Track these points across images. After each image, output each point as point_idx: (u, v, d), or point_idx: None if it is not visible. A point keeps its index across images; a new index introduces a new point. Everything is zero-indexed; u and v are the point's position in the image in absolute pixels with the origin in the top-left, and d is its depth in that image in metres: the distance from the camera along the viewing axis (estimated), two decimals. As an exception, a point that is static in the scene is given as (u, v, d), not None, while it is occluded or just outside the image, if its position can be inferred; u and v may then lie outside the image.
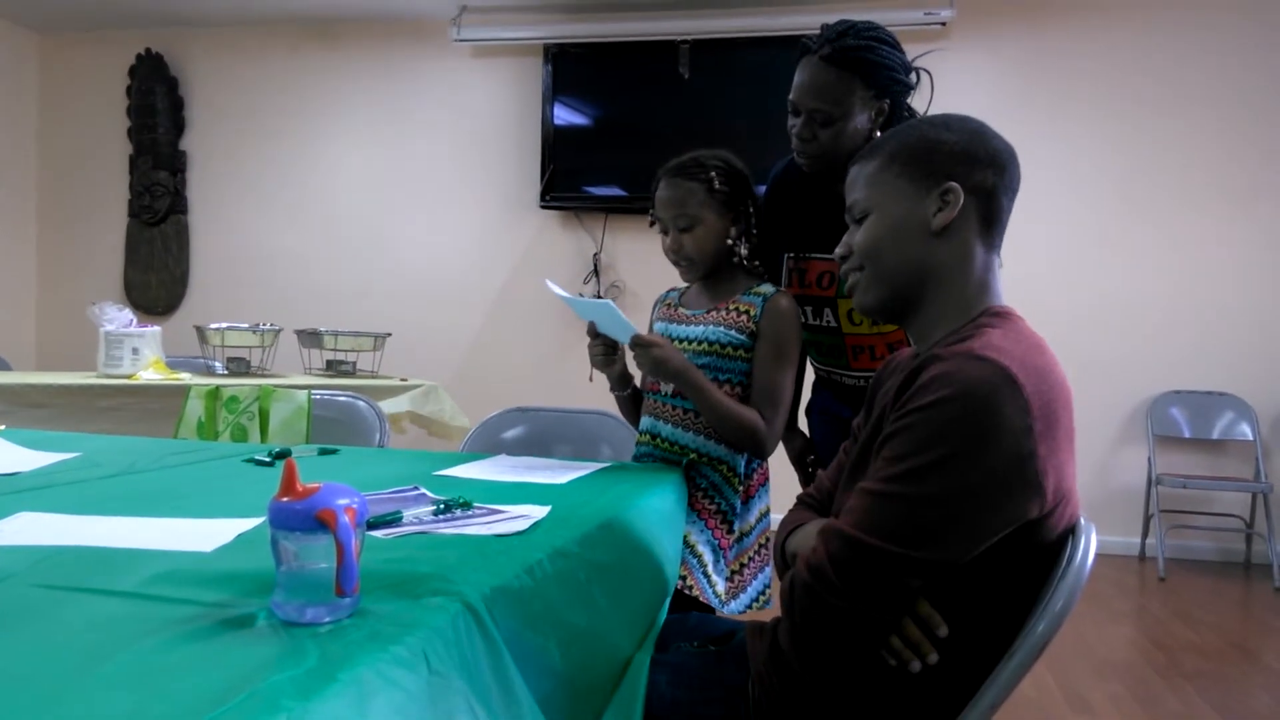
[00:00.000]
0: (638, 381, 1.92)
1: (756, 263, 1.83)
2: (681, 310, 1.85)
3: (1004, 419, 0.96)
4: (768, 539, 1.81)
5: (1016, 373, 0.97)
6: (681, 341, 1.79)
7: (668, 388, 1.78)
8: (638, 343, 1.66)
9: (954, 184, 1.12)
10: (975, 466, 0.96)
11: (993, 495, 0.98)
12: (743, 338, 1.73)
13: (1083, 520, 1.08)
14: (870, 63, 1.64)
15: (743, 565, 1.76)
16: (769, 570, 1.80)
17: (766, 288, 1.77)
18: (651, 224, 1.81)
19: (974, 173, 1.12)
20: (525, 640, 0.90)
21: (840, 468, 1.28)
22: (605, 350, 1.76)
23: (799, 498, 1.37)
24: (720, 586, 1.71)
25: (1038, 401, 0.97)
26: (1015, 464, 0.97)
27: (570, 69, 4.97)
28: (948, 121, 1.16)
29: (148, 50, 5.49)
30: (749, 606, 1.76)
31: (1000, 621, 1.07)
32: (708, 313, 1.79)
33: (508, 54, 5.16)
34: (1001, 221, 1.15)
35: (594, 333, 1.74)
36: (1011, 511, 0.99)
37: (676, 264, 1.80)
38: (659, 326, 1.88)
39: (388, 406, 3.30)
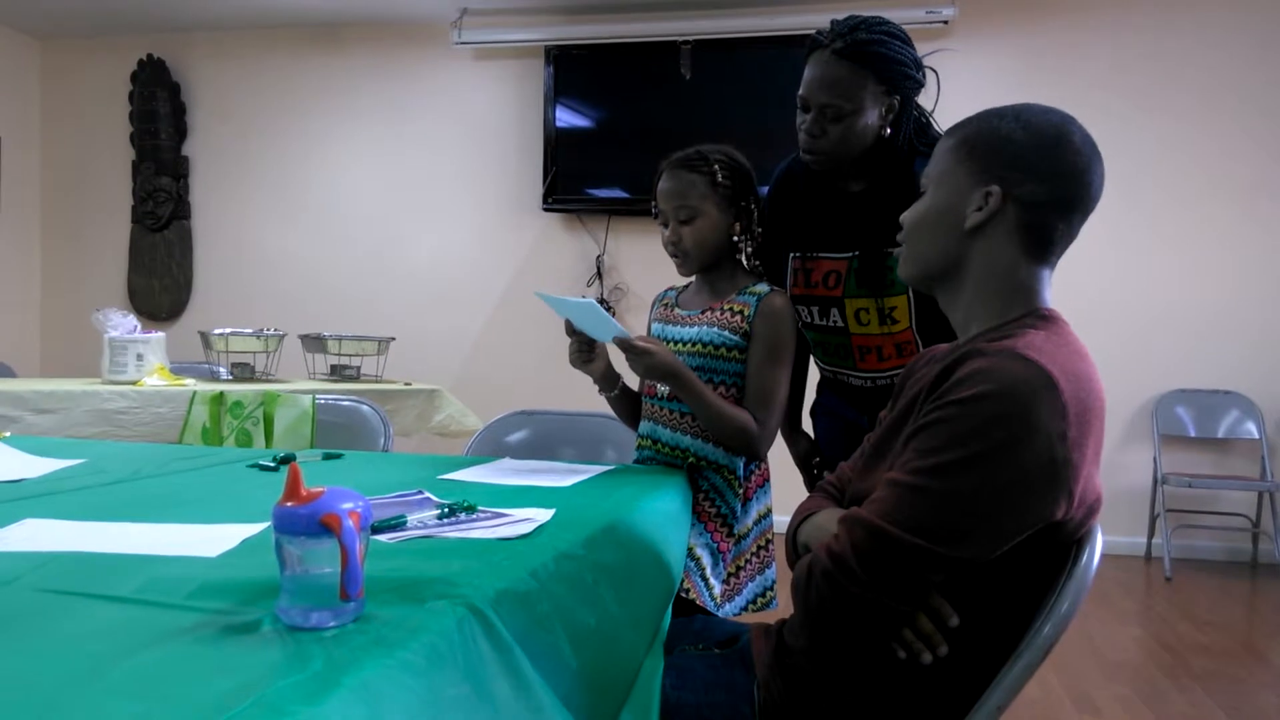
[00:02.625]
0: (626, 380, 1.90)
1: (757, 263, 1.83)
2: (677, 311, 1.85)
3: (1040, 421, 0.96)
4: (768, 541, 1.80)
5: (1058, 377, 0.97)
6: (676, 343, 1.78)
7: (664, 391, 1.78)
8: (628, 347, 1.64)
9: (995, 188, 1.10)
10: (1007, 466, 0.96)
11: (1023, 496, 0.98)
12: (736, 338, 1.72)
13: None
14: (883, 57, 1.62)
15: (739, 568, 1.76)
16: (769, 573, 1.79)
17: (761, 287, 1.76)
18: (654, 216, 1.81)
19: (1024, 182, 1.09)
20: (536, 639, 0.90)
21: (863, 456, 1.28)
22: (581, 348, 1.73)
23: (818, 485, 1.35)
24: (717, 590, 1.70)
25: (1075, 408, 0.97)
26: (1048, 467, 0.97)
27: (571, 71, 4.98)
28: (1030, 119, 1.11)
29: (149, 56, 5.51)
30: (744, 609, 1.75)
31: (1007, 620, 1.07)
32: (702, 313, 1.78)
33: (509, 56, 5.17)
34: (1050, 238, 1.11)
35: (571, 331, 1.72)
36: (1039, 512, 0.99)
37: (673, 256, 1.79)
38: (655, 328, 1.87)
39: (396, 420, 3.31)
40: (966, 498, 0.97)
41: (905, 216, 1.21)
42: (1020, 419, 0.96)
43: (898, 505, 1.00)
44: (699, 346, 1.74)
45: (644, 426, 1.86)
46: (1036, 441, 0.96)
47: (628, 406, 1.91)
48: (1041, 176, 1.09)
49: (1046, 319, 1.10)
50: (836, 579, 1.01)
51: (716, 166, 1.74)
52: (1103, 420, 1.02)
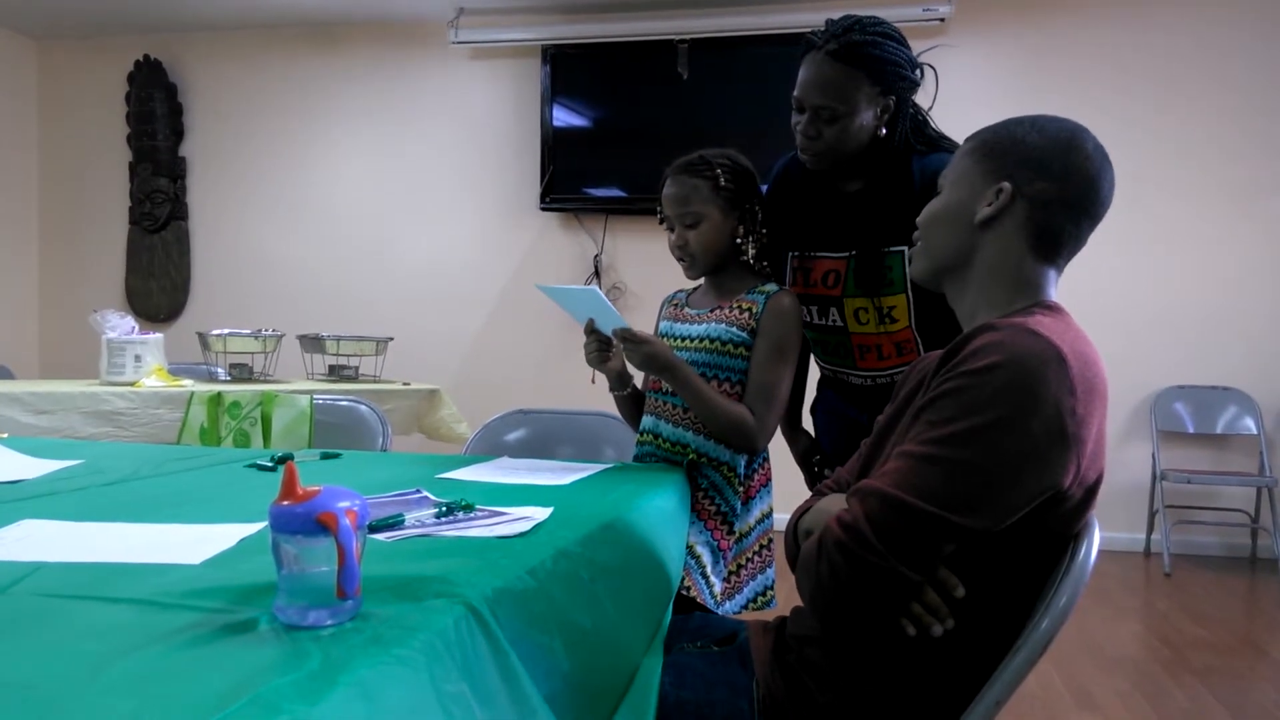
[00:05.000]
0: (637, 381, 1.91)
1: (765, 263, 1.83)
2: (687, 310, 1.86)
3: (1049, 393, 0.98)
4: (770, 540, 1.81)
5: (1066, 353, 1.00)
6: (684, 339, 1.79)
7: (669, 385, 1.79)
8: (626, 337, 1.66)
9: (1006, 184, 1.13)
10: (1018, 435, 0.98)
11: (1032, 465, 0.99)
12: (744, 335, 1.73)
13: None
14: (877, 58, 1.62)
15: (740, 566, 1.76)
16: (770, 572, 1.79)
17: (770, 286, 1.77)
18: (660, 221, 1.82)
19: (1035, 180, 1.13)
20: (530, 641, 0.90)
21: (860, 459, 1.29)
22: (600, 347, 1.76)
23: (815, 490, 1.36)
24: (717, 587, 1.70)
25: (1082, 385, 1.00)
26: (1057, 436, 0.98)
27: (569, 70, 4.97)
28: (1045, 125, 1.16)
29: (146, 57, 5.50)
30: (744, 607, 1.75)
31: (1006, 614, 1.08)
32: (711, 312, 1.79)
33: (506, 55, 5.16)
34: (1058, 238, 1.14)
35: (590, 329, 1.74)
36: (1047, 480, 1.00)
37: (680, 260, 1.81)
38: (664, 326, 1.88)
39: (395, 420, 3.31)
40: (978, 466, 0.99)
41: (920, 215, 1.25)
42: (1030, 390, 0.98)
43: (910, 474, 1.01)
44: (707, 342, 1.75)
45: (646, 421, 1.87)
46: (1046, 411, 0.98)
47: (634, 408, 1.92)
48: (1052, 175, 1.12)
49: (1052, 309, 1.12)
50: (849, 548, 1.01)
51: (719, 170, 1.75)
52: (1105, 404, 1.04)
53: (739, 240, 1.78)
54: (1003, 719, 1.05)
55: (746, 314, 1.74)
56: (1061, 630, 1.02)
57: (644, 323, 1.97)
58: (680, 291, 1.96)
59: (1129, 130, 4.51)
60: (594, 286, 1.66)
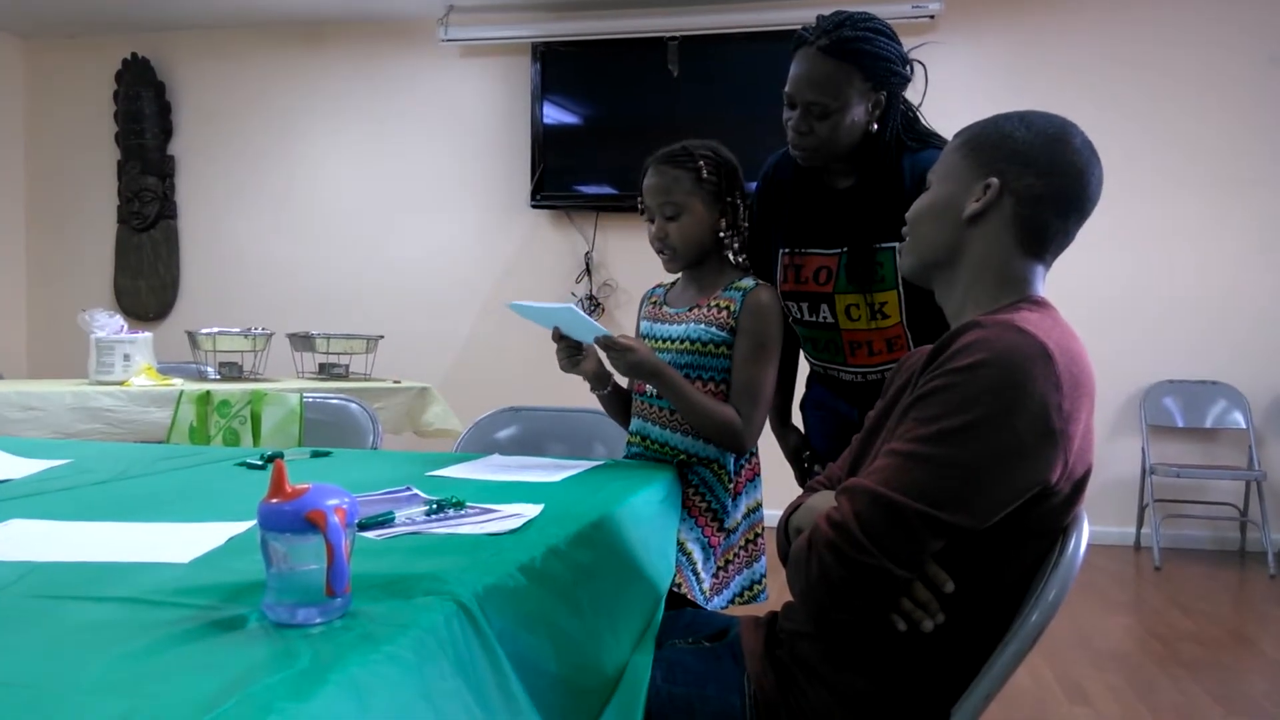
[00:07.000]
0: (618, 379, 1.91)
1: (744, 258, 1.83)
2: (665, 309, 1.85)
3: (1036, 389, 0.98)
4: (756, 535, 1.81)
5: (1052, 349, 1.00)
6: (664, 341, 1.79)
7: (654, 389, 1.78)
8: (609, 345, 1.65)
9: (994, 180, 1.13)
10: (1004, 431, 0.98)
11: (1019, 461, 0.99)
12: (723, 334, 1.73)
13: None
14: (868, 54, 1.62)
15: (728, 561, 1.76)
16: (758, 566, 1.79)
17: (747, 282, 1.76)
18: (640, 211, 1.81)
19: (1023, 175, 1.12)
20: (519, 639, 0.90)
21: (851, 454, 1.29)
22: (569, 353, 1.75)
23: (808, 485, 1.36)
24: (707, 584, 1.70)
25: (1068, 381, 1.00)
26: (1043, 433, 0.99)
27: (559, 67, 4.97)
28: (1033, 120, 1.15)
29: (134, 55, 5.47)
30: (731, 601, 1.75)
31: (996, 607, 1.08)
32: (690, 310, 1.79)
33: (496, 53, 5.15)
34: (1045, 234, 1.14)
35: (558, 336, 1.73)
36: (1034, 477, 1.01)
37: (660, 252, 1.80)
38: (644, 326, 1.88)
39: (385, 418, 3.30)
40: (965, 464, 0.99)
41: (909, 211, 1.25)
42: (1017, 386, 0.98)
43: (898, 472, 1.01)
44: (687, 344, 1.75)
45: (634, 424, 1.87)
46: (1032, 408, 0.98)
47: (619, 405, 1.91)
48: (1040, 171, 1.12)
49: (1039, 304, 1.13)
50: (839, 546, 1.01)
51: (702, 163, 1.74)
52: (1093, 399, 1.04)
53: (721, 234, 1.78)
54: (993, 712, 1.06)
55: (725, 312, 1.74)
56: (1052, 624, 1.03)
57: (630, 319, 1.96)
58: (659, 287, 1.95)
59: (1118, 125, 4.52)
60: (569, 304, 1.64)
